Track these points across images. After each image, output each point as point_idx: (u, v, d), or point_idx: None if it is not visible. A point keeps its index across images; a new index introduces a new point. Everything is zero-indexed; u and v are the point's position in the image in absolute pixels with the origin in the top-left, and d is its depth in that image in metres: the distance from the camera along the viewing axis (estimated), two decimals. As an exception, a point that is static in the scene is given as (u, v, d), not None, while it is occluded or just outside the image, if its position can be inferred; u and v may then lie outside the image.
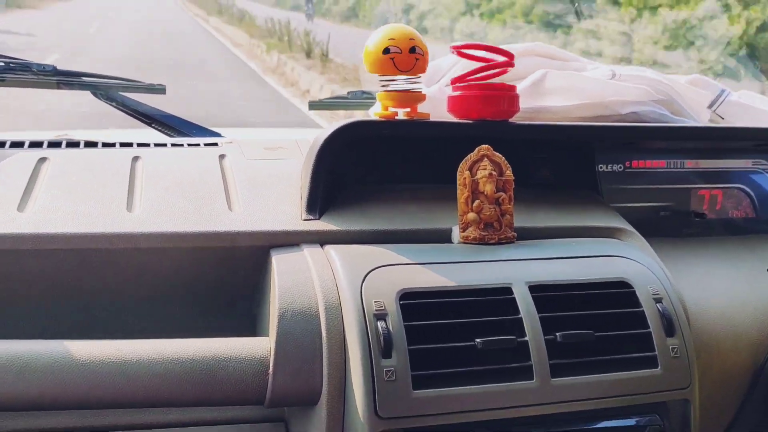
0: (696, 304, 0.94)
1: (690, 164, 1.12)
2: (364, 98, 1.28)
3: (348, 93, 1.32)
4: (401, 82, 0.94)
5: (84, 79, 1.20)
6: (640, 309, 0.86)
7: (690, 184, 1.13)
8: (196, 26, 19.83)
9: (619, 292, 0.87)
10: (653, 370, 0.84)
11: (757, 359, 0.95)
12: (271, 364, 0.77)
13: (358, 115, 1.09)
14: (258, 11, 19.02)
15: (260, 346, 0.79)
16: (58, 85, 1.19)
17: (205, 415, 0.85)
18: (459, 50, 1.03)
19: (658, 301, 0.87)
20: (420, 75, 0.95)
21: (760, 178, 1.17)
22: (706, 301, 0.95)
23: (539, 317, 0.82)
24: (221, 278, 0.90)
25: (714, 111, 1.23)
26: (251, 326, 0.92)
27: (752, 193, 1.14)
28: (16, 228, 0.84)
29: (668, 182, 1.12)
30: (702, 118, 1.20)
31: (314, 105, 1.27)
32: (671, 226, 1.10)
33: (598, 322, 0.84)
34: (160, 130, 1.25)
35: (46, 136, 1.12)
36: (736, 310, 0.96)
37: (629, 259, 0.92)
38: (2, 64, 1.17)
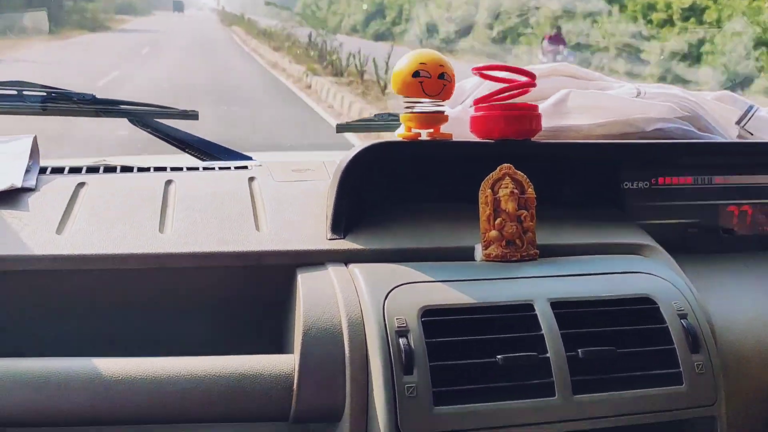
0: (723, 320, 0.93)
1: (718, 180, 1.11)
2: (390, 120, 1.31)
3: (374, 115, 1.36)
4: (425, 104, 0.96)
5: (121, 107, 1.25)
6: (664, 325, 0.86)
7: (718, 200, 1.11)
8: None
9: (643, 308, 0.87)
10: (678, 386, 0.83)
11: None
12: (295, 381, 0.79)
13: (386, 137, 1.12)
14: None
15: (285, 363, 0.81)
16: (97, 113, 1.25)
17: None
18: (481, 72, 1.05)
19: (683, 317, 0.87)
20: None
21: None
22: (734, 317, 0.94)
23: (561, 333, 0.82)
24: (249, 296, 0.93)
25: (743, 127, 1.22)
26: (277, 343, 0.94)
27: None
28: (55, 249, 0.88)
29: (696, 198, 1.11)
30: (730, 134, 1.19)
31: (342, 127, 1.30)
32: (700, 243, 1.09)
33: (622, 338, 0.84)
34: (193, 155, 1.29)
35: (85, 162, 1.17)
36: (765, 326, 0.94)
37: (653, 275, 0.91)
38: (44, 94, 1.23)
